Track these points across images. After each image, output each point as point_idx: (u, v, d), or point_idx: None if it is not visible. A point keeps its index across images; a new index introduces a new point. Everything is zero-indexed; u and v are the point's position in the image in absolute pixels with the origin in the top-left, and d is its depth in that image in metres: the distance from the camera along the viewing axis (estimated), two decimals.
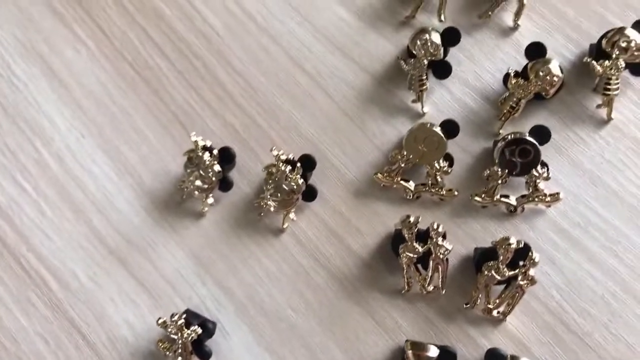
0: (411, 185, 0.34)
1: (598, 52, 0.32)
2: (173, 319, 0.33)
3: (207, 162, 0.35)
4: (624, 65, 0.31)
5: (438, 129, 0.32)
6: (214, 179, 0.35)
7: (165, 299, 0.35)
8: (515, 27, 0.35)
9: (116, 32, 0.40)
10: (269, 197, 0.34)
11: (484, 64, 0.35)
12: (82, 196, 0.38)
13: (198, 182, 0.35)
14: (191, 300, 0.35)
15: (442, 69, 0.34)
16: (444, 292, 0.32)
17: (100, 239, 0.37)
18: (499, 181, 0.32)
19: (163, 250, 0.36)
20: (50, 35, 0.41)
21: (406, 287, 0.32)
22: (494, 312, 0.31)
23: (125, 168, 0.38)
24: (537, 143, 0.31)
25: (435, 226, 0.31)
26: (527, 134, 0.32)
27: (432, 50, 0.33)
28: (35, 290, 0.37)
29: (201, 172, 0.35)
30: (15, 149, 0.40)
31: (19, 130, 0.40)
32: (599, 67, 0.31)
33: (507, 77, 0.33)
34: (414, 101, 0.35)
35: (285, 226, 0.35)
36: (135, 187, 0.38)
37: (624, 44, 0.31)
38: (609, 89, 0.32)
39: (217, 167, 0.35)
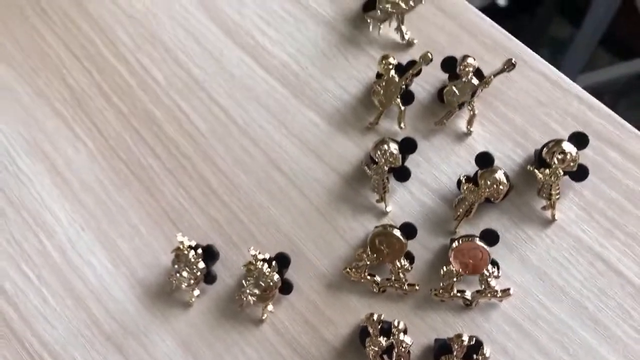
0: (377, 279, 0.37)
1: (540, 160, 0.35)
2: None
3: (193, 260, 0.38)
4: (562, 173, 0.35)
5: (398, 232, 0.36)
6: (199, 274, 0.39)
7: None
8: (469, 133, 0.38)
9: (112, 132, 0.44)
10: (248, 292, 0.37)
11: (440, 166, 0.38)
12: (82, 285, 0.42)
13: (185, 276, 0.39)
14: None
15: (401, 174, 0.37)
16: None
17: (98, 325, 0.40)
18: (454, 279, 0.35)
19: (155, 337, 0.40)
20: (53, 134, 0.45)
21: None
22: None
23: (121, 260, 0.42)
24: (486, 246, 0.35)
25: (396, 323, 0.34)
26: (478, 237, 0.35)
27: (391, 159, 0.36)
28: None
29: (187, 268, 0.39)
30: (20, 239, 0.44)
31: (24, 222, 0.44)
32: (540, 175, 0.35)
33: (459, 182, 0.36)
34: (378, 201, 0.38)
35: (264, 317, 0.38)
36: (130, 277, 0.41)
37: (560, 156, 0.34)
38: (551, 194, 0.35)
39: (201, 264, 0.38)
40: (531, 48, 0.40)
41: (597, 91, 1.34)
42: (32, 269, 0.43)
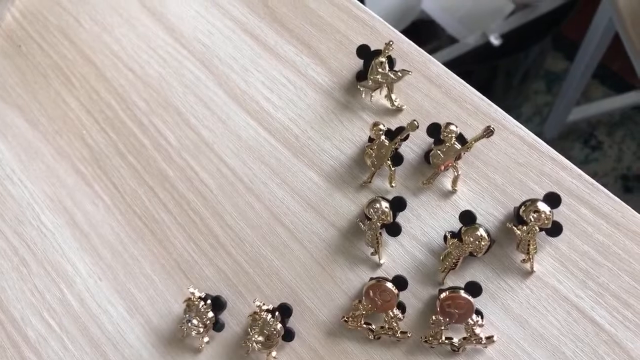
0: (372, 327, 0.40)
1: (518, 217, 0.39)
2: None
3: (202, 310, 0.42)
4: (538, 229, 0.38)
5: (390, 284, 0.39)
6: (208, 322, 0.42)
7: None
8: (454, 192, 0.42)
9: (128, 189, 0.48)
10: (253, 339, 0.41)
11: (429, 222, 0.42)
12: (100, 332, 0.45)
13: (195, 324, 0.42)
14: None
15: (392, 230, 0.41)
16: None
17: None
18: (442, 327, 0.38)
19: None
20: (73, 190, 0.49)
21: None
22: None
23: (136, 308, 0.45)
24: (470, 297, 0.38)
25: None
26: (463, 290, 0.38)
27: (383, 217, 0.40)
28: None
29: (197, 317, 0.42)
30: (42, 289, 0.47)
31: (46, 273, 0.48)
32: (518, 232, 0.38)
33: (446, 238, 0.40)
34: (372, 254, 0.42)
35: None
36: (144, 324, 0.45)
37: (535, 215, 0.38)
38: (528, 248, 0.39)
39: (210, 314, 0.42)
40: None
41: (593, 122, 1.38)
42: (53, 317, 0.46)
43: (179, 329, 0.43)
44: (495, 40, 1.22)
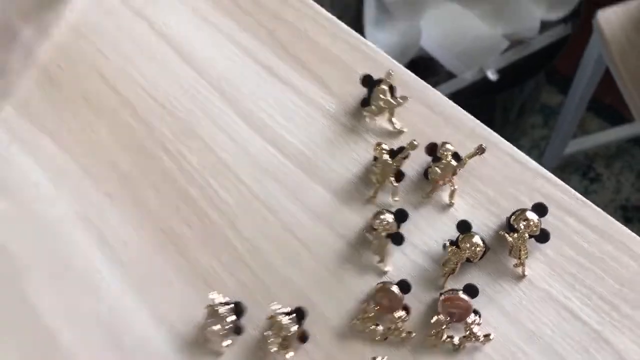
0: (380, 329, 0.44)
1: (509, 226, 0.43)
2: None
3: (223, 314, 0.46)
4: (527, 236, 0.42)
5: (395, 288, 0.43)
6: (228, 327, 0.46)
7: None
8: (451, 205, 0.46)
9: (153, 208, 0.52)
10: (270, 341, 0.44)
11: (429, 232, 0.46)
12: (128, 339, 0.49)
13: (216, 329, 0.46)
14: None
15: (396, 240, 0.45)
16: None
17: None
18: (443, 327, 0.42)
19: None
20: (103, 209, 0.54)
21: None
22: None
23: (161, 316, 0.49)
24: (468, 298, 0.42)
25: None
26: (461, 291, 0.42)
27: (387, 227, 0.44)
28: None
29: (219, 321, 0.46)
30: (74, 301, 0.51)
31: (77, 285, 0.51)
32: (510, 239, 0.43)
33: (445, 246, 0.44)
34: (378, 262, 0.46)
35: None
36: (170, 331, 0.48)
37: (525, 223, 0.42)
38: (520, 254, 0.43)
39: (230, 319, 0.46)
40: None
41: (590, 154, 1.41)
42: (84, 327, 0.50)
43: (201, 333, 0.47)
44: (492, 75, 1.28)
